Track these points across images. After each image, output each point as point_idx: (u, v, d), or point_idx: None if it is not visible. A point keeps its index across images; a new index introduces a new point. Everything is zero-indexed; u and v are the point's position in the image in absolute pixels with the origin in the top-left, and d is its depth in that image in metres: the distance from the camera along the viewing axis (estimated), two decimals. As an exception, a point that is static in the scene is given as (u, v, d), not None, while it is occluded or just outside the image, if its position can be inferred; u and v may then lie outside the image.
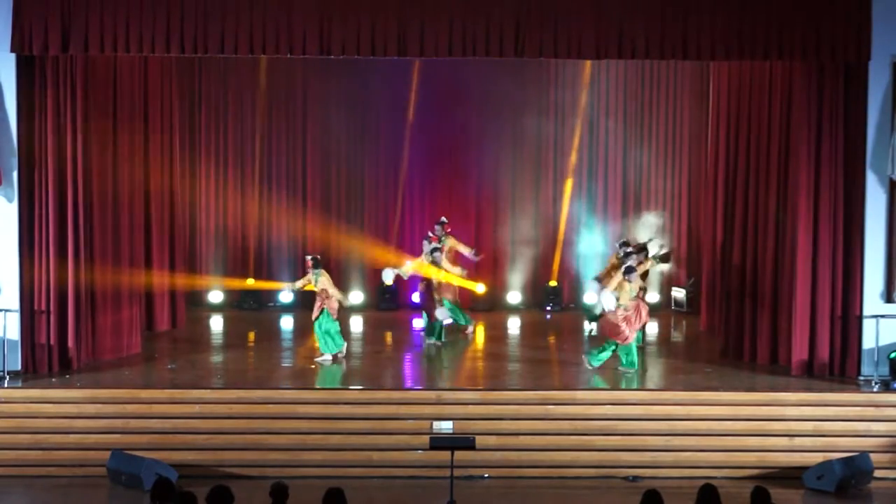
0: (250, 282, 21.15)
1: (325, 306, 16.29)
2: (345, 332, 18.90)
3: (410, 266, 17.95)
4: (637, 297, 15.88)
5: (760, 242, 16.40)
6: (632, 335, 15.69)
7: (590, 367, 15.71)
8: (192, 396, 14.57)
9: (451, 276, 17.76)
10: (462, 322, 18.29)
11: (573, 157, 21.50)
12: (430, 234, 18.40)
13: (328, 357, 16.27)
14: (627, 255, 16.25)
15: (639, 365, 15.84)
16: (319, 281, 16.39)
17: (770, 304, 16.21)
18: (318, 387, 15.22)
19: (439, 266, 17.55)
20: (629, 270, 15.71)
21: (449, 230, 18.61)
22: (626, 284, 15.64)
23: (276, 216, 21.43)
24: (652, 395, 14.80)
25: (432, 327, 17.69)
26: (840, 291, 15.51)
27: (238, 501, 8.37)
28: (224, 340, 18.99)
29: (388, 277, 18.01)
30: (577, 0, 14.91)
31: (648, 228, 18.86)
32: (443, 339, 17.73)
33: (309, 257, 16.81)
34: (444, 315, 17.47)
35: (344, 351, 16.51)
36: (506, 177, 21.45)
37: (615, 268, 16.59)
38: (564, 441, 13.92)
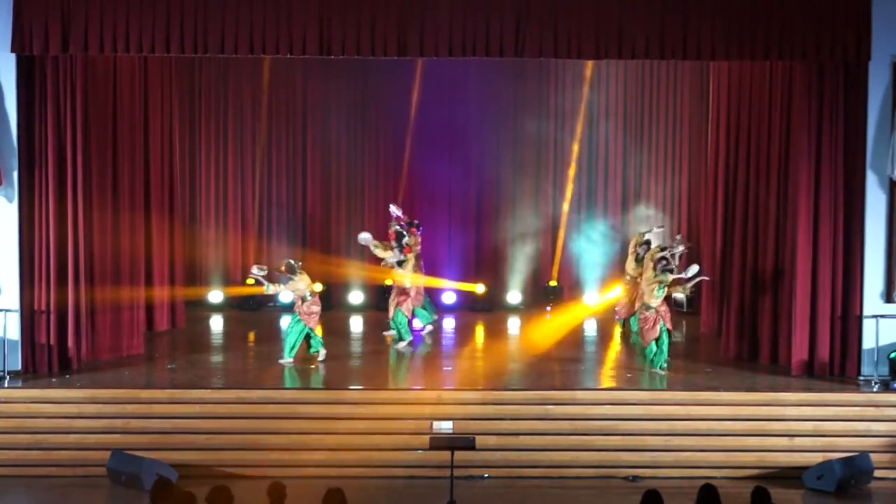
0: (250, 282, 21.12)
1: (296, 310, 16.22)
2: (345, 332, 18.99)
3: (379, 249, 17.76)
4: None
5: (761, 242, 16.40)
6: (649, 336, 15.66)
7: (662, 371, 15.60)
8: (192, 396, 14.57)
9: (414, 278, 17.54)
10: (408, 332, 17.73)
11: (573, 157, 21.51)
12: (399, 224, 18.22)
13: (322, 353, 16.28)
14: (661, 259, 16.05)
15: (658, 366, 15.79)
16: (290, 286, 16.28)
17: (771, 304, 16.21)
18: (318, 387, 15.21)
19: (402, 263, 17.27)
20: (667, 271, 15.73)
21: (417, 234, 18.20)
22: (657, 285, 15.61)
23: (276, 215, 21.44)
24: (652, 395, 14.79)
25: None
26: (840, 291, 15.51)
27: (238, 501, 8.37)
28: (224, 340, 18.99)
29: (364, 239, 17.69)
30: (577, 0, 14.91)
31: (657, 232, 18.66)
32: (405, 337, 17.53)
33: (284, 264, 16.43)
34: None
35: (290, 361, 16.15)
36: (506, 177, 21.46)
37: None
38: (564, 441, 13.92)
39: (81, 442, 13.80)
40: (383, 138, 21.42)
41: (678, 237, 17.86)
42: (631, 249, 17.91)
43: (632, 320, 17.38)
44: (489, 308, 20.98)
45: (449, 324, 19.79)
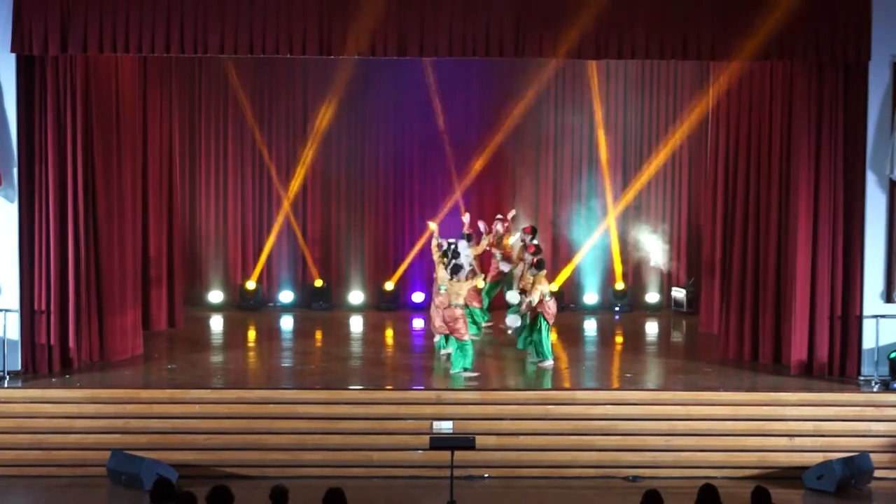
0: (250, 285, 21.04)
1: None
2: (346, 332, 19.00)
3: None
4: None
5: (762, 242, 16.38)
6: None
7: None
8: (192, 396, 14.57)
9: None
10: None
11: (572, 158, 21.49)
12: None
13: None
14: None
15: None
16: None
17: (771, 303, 16.20)
18: (318, 387, 15.20)
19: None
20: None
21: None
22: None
23: (276, 216, 21.41)
24: (652, 395, 14.79)
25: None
26: (840, 291, 15.51)
27: (238, 501, 8.38)
28: (224, 340, 18.98)
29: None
30: (577, 0, 14.91)
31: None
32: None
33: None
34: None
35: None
36: (506, 177, 21.41)
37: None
38: (564, 441, 13.93)
39: (81, 442, 13.81)
40: (384, 137, 21.36)
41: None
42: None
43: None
44: (489, 308, 20.93)
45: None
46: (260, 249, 21.30)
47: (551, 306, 16.23)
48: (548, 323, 16.16)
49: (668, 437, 13.94)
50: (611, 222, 21.19)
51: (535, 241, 17.43)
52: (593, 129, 21.43)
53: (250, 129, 21.25)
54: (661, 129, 21.42)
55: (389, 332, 19.00)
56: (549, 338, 16.27)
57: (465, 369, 15.42)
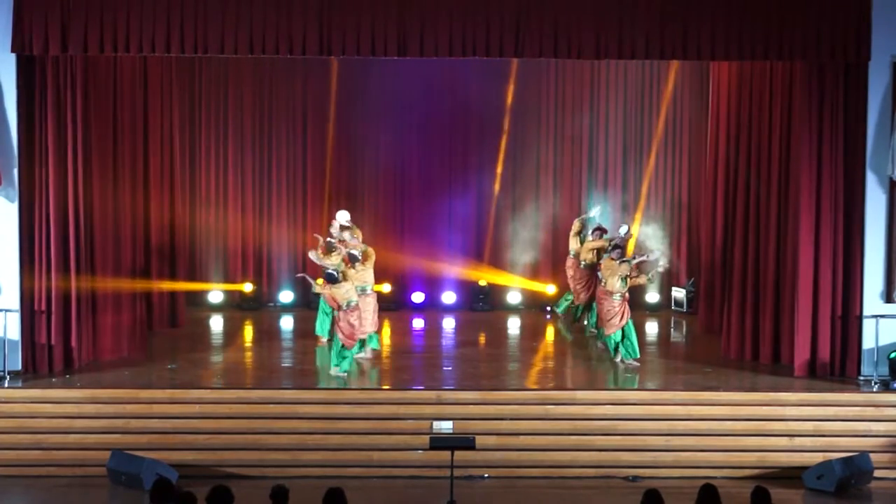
0: (248, 288, 21.01)
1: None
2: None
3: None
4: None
5: (762, 242, 16.40)
6: (614, 325, 16.19)
7: (636, 363, 16.22)
8: (192, 396, 14.58)
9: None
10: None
11: (572, 158, 21.48)
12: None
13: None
14: (619, 257, 16.58)
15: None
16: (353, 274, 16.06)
17: (772, 303, 16.22)
18: (318, 387, 15.21)
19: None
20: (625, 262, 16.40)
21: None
22: (619, 279, 16.28)
23: (276, 217, 21.40)
24: (652, 395, 14.80)
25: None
26: (840, 291, 15.52)
27: (238, 501, 8.38)
28: (224, 340, 18.98)
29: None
30: (577, 0, 14.92)
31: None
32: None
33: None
34: None
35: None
36: (506, 177, 21.40)
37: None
38: (564, 441, 13.93)
39: (81, 442, 13.82)
40: (384, 138, 21.35)
41: (623, 227, 18.29)
42: (573, 233, 18.43)
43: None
44: (489, 308, 20.97)
45: (449, 324, 19.79)
46: (260, 249, 21.30)
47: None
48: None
49: (668, 437, 13.95)
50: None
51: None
52: (594, 129, 21.44)
53: (251, 128, 21.22)
54: (661, 130, 21.42)
55: (386, 332, 18.99)
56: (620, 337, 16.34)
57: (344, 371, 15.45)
